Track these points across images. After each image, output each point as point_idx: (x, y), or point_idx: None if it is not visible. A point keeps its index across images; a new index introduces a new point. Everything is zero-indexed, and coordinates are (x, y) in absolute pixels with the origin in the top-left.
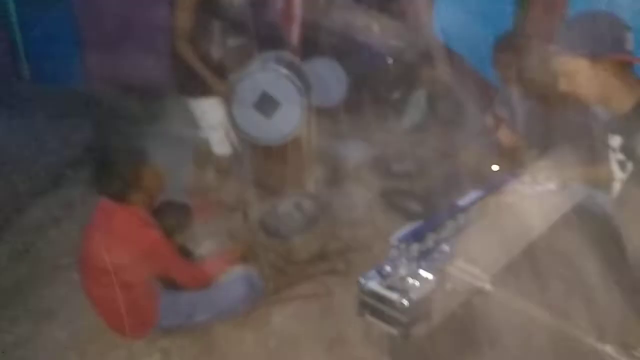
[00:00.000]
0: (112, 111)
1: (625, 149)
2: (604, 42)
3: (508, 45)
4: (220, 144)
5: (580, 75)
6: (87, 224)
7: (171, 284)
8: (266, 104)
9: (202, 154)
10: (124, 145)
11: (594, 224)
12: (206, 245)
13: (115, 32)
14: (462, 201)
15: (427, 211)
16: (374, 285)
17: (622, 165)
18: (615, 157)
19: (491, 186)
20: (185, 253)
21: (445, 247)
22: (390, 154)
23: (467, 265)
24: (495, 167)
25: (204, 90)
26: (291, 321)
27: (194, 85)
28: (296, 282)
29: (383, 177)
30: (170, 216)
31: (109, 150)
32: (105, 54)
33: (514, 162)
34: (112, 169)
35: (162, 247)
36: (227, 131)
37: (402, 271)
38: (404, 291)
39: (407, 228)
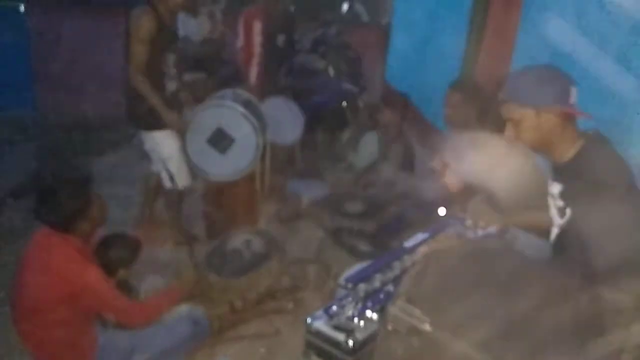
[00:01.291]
0: (61, 140)
1: (564, 196)
2: (548, 95)
3: (458, 90)
4: (172, 177)
5: (525, 123)
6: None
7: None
8: (221, 140)
9: (152, 187)
10: (70, 173)
11: (529, 268)
12: (150, 280)
13: (69, 61)
14: (408, 243)
15: (376, 251)
16: (320, 325)
17: (560, 211)
18: (555, 203)
19: (436, 229)
20: (127, 288)
21: (391, 288)
22: (343, 194)
23: (408, 305)
24: (441, 211)
25: (157, 122)
26: None
27: (147, 118)
28: (243, 322)
29: (335, 216)
30: (117, 249)
31: (55, 177)
32: (58, 83)
33: (459, 206)
34: (57, 195)
35: (98, 284)
36: (180, 164)
37: (349, 311)
38: (349, 331)
39: (355, 268)
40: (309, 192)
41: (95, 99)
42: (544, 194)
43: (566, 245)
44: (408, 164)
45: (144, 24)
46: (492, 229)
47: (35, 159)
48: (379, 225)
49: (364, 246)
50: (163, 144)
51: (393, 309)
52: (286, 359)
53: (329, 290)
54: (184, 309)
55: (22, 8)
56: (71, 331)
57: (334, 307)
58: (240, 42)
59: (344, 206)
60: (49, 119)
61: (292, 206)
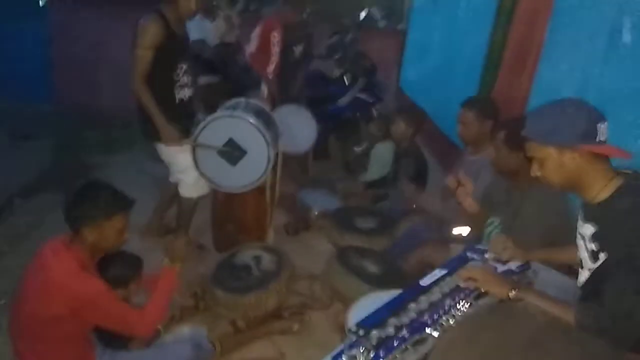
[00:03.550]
0: (76, 135)
1: (598, 239)
2: (571, 133)
3: (472, 108)
4: (190, 187)
5: (548, 163)
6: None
7: (111, 341)
8: (232, 151)
9: (170, 195)
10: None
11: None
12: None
13: (88, 56)
14: (424, 281)
15: (384, 274)
16: None
17: (593, 255)
18: (587, 245)
19: (454, 265)
20: None
21: (405, 334)
22: (354, 208)
23: None
24: (460, 230)
25: (157, 135)
26: None
27: (149, 127)
28: (247, 343)
29: (344, 232)
30: (117, 269)
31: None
32: (77, 78)
33: (473, 228)
34: (90, 193)
35: (101, 298)
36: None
37: None
38: None
39: (366, 304)
40: (320, 203)
41: (113, 96)
42: (570, 230)
43: (600, 293)
44: (421, 178)
45: (151, 31)
46: (514, 264)
47: (46, 155)
48: (388, 244)
49: (372, 268)
50: (177, 155)
51: None
52: None
53: (335, 312)
54: (185, 330)
55: (44, 2)
56: (69, 351)
57: (344, 357)
58: (252, 48)
59: (354, 221)
60: (66, 114)
61: (301, 218)
